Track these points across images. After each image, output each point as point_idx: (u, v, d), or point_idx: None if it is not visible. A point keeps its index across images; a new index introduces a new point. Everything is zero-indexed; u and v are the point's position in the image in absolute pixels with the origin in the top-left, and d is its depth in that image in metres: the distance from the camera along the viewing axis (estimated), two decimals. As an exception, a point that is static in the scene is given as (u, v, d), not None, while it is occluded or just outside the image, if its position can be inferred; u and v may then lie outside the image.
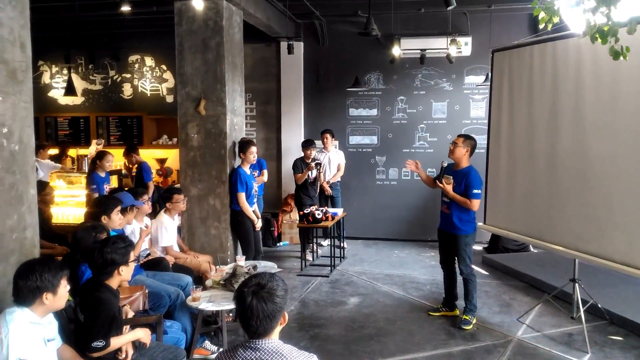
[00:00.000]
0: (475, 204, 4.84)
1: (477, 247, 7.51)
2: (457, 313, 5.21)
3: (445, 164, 5.05)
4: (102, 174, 6.43)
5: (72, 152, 9.31)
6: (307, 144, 7.25)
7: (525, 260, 7.00)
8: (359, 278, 6.56)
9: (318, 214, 6.62)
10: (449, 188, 4.89)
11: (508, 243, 7.41)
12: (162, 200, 5.38)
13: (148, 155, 9.30)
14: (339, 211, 7.31)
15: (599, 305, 4.99)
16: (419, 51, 8.02)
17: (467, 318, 4.95)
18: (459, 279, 5.12)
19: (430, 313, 5.29)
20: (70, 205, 7.40)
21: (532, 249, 7.50)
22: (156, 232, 5.13)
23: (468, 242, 4.96)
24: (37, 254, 3.28)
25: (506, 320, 5.12)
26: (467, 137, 5.03)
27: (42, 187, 5.73)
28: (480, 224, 5.20)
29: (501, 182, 5.65)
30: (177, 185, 6.37)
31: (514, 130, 5.72)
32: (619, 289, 5.67)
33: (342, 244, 7.66)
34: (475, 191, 4.82)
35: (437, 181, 5.00)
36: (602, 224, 4.49)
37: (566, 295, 5.28)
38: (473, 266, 4.96)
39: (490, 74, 6.43)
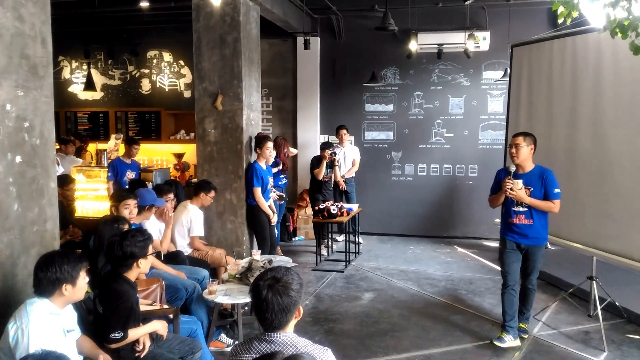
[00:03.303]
0: (558, 205, 4.18)
1: (493, 244, 7.46)
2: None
3: (513, 169, 4.24)
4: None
5: (91, 146, 9.45)
6: (325, 146, 7.27)
7: (542, 257, 6.92)
8: (374, 273, 6.56)
9: (333, 210, 6.63)
10: (523, 194, 4.16)
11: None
12: (198, 187, 5.42)
13: (166, 150, 9.42)
14: (354, 207, 7.32)
15: (617, 304, 4.93)
16: (436, 46, 7.95)
17: (525, 327, 4.59)
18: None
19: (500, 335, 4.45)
20: (89, 199, 7.50)
21: (549, 246, 7.42)
22: (188, 222, 5.18)
23: (543, 249, 4.46)
24: (57, 246, 3.33)
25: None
26: (526, 134, 4.28)
27: (67, 181, 5.81)
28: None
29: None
30: (195, 180, 6.41)
31: (532, 126, 5.66)
32: (638, 286, 5.60)
33: (357, 240, 7.67)
34: (557, 190, 4.16)
35: (506, 192, 4.19)
36: (621, 222, 4.43)
37: (583, 293, 5.23)
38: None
39: (509, 69, 6.38)
